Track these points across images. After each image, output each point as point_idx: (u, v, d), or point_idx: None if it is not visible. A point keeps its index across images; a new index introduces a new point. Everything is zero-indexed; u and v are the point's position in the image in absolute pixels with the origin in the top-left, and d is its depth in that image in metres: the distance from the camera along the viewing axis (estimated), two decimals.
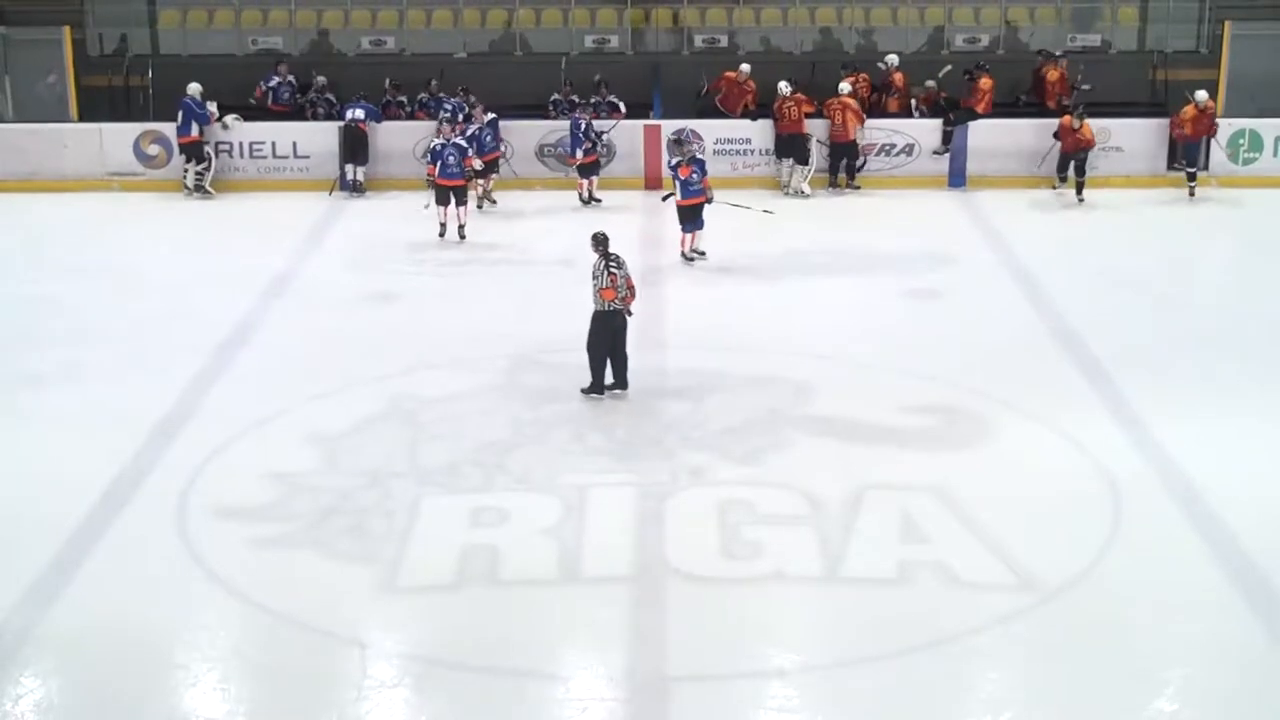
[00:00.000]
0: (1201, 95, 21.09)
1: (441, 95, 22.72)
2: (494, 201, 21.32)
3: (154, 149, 22.24)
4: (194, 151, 21.48)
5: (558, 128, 22.19)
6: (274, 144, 22.21)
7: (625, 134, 21.90)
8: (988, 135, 22.13)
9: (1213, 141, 21.79)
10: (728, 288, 17.21)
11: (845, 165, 21.81)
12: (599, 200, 21.03)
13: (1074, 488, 11.34)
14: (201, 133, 21.55)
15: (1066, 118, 21.21)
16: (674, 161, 18.11)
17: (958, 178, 22.05)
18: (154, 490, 11.72)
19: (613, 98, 22.78)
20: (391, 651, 9.55)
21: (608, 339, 13.28)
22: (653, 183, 21.42)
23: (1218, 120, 21.63)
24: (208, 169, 21.46)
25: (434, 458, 12.29)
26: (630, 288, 13.33)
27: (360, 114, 21.71)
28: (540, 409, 13.33)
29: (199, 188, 21.57)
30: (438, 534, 11.01)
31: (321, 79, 22.99)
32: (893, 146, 22.00)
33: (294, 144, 22.23)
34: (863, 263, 17.70)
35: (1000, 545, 10.66)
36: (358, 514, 11.30)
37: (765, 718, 8.92)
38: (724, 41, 24.71)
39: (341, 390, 13.67)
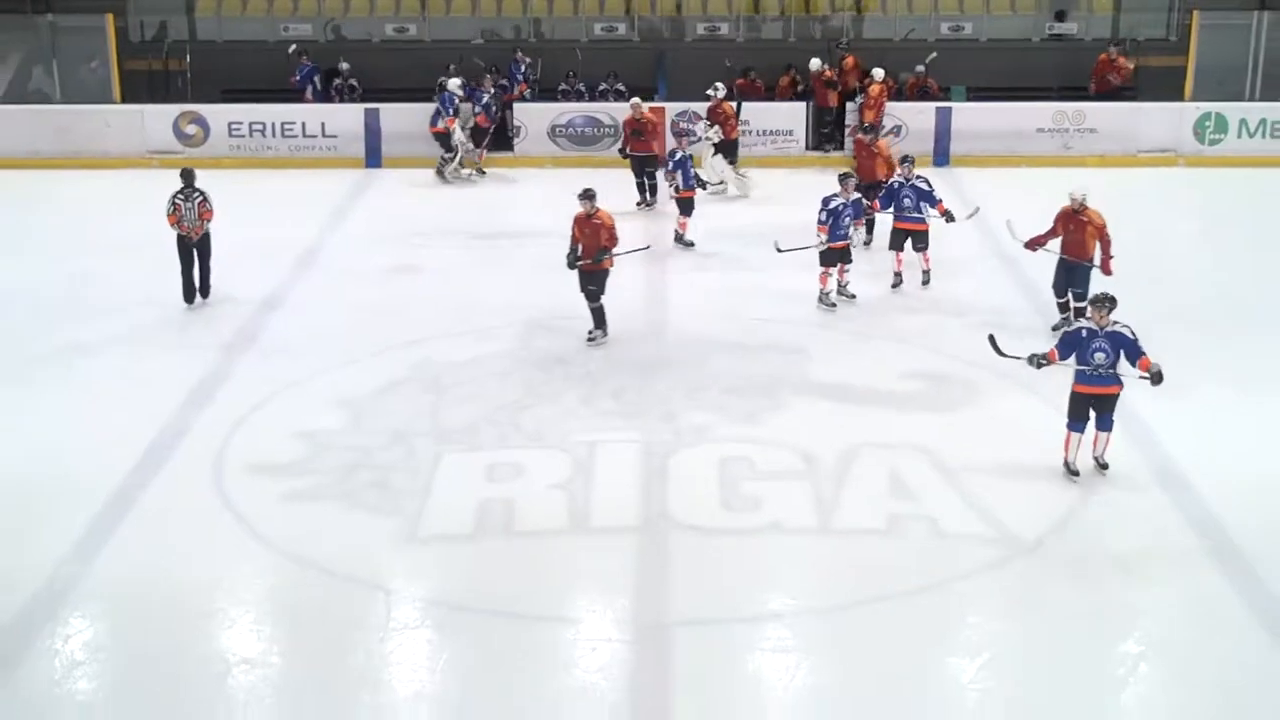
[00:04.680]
0: (1078, 194, 14.00)
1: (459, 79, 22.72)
2: (483, 173, 21.34)
3: (192, 129, 22.19)
4: (443, 141, 21.05)
5: (567, 109, 22.20)
6: (304, 124, 22.17)
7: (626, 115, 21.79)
8: (970, 118, 22.06)
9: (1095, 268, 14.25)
10: (728, 259, 17.13)
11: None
12: (691, 244, 17.62)
13: (1051, 450, 11.31)
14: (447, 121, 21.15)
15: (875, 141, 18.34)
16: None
17: (941, 158, 22.00)
18: (192, 449, 11.73)
19: (620, 85, 22.72)
20: (414, 597, 9.57)
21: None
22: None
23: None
24: (452, 158, 21.01)
25: (453, 417, 12.29)
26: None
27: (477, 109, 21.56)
28: (552, 372, 13.32)
29: (439, 173, 21.13)
30: (456, 488, 11.00)
31: (346, 65, 22.97)
32: (882, 128, 21.87)
33: (322, 124, 22.21)
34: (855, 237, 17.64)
35: (982, 501, 10.66)
36: (382, 470, 11.31)
37: (762, 659, 8.93)
38: (724, 30, 24.63)
39: (366, 355, 13.66)
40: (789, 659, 8.93)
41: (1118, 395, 10.77)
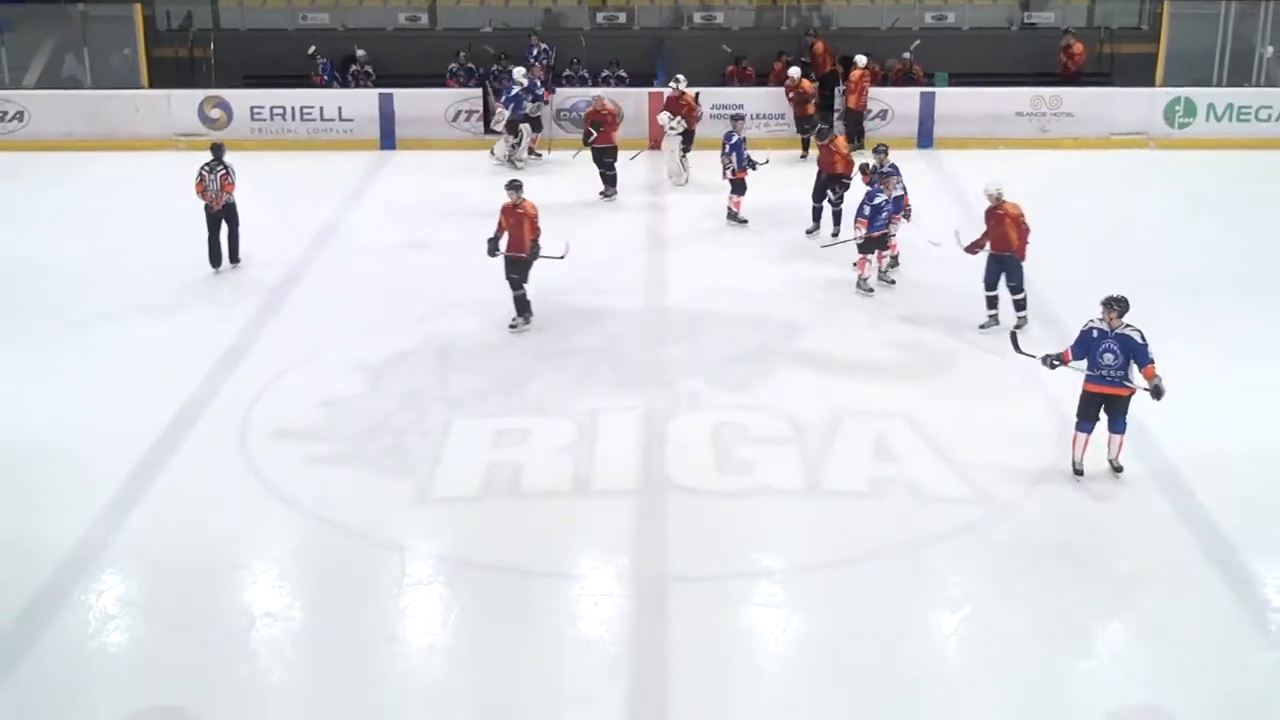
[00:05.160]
0: (992, 189, 13.63)
1: (470, 65, 22.67)
2: (538, 155, 21.01)
3: (215, 112, 22.08)
4: (512, 128, 20.60)
5: (571, 94, 22.08)
6: (321, 108, 22.08)
7: (631, 100, 21.69)
8: (952, 102, 21.99)
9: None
10: (723, 238, 17.10)
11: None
12: (745, 221, 17.45)
13: (1026, 415, 11.34)
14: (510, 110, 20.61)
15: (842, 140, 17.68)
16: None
17: (925, 140, 21.93)
18: (218, 414, 11.75)
19: (622, 72, 22.63)
20: (426, 554, 9.61)
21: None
22: (655, 145, 21.22)
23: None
24: (518, 144, 20.63)
25: (463, 386, 12.30)
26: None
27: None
28: (556, 343, 13.33)
29: (508, 159, 20.64)
30: (466, 452, 11.03)
31: (362, 52, 22.92)
32: (869, 112, 21.83)
33: (339, 108, 22.10)
34: (843, 214, 17.58)
35: (960, 464, 10.69)
36: (396, 435, 11.33)
37: (754, 613, 8.98)
38: (720, 19, 24.54)
39: (382, 327, 13.66)
40: (779, 613, 8.98)
41: (1128, 398, 10.18)
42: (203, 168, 15.45)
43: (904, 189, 14.99)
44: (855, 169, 16.04)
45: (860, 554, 9.51)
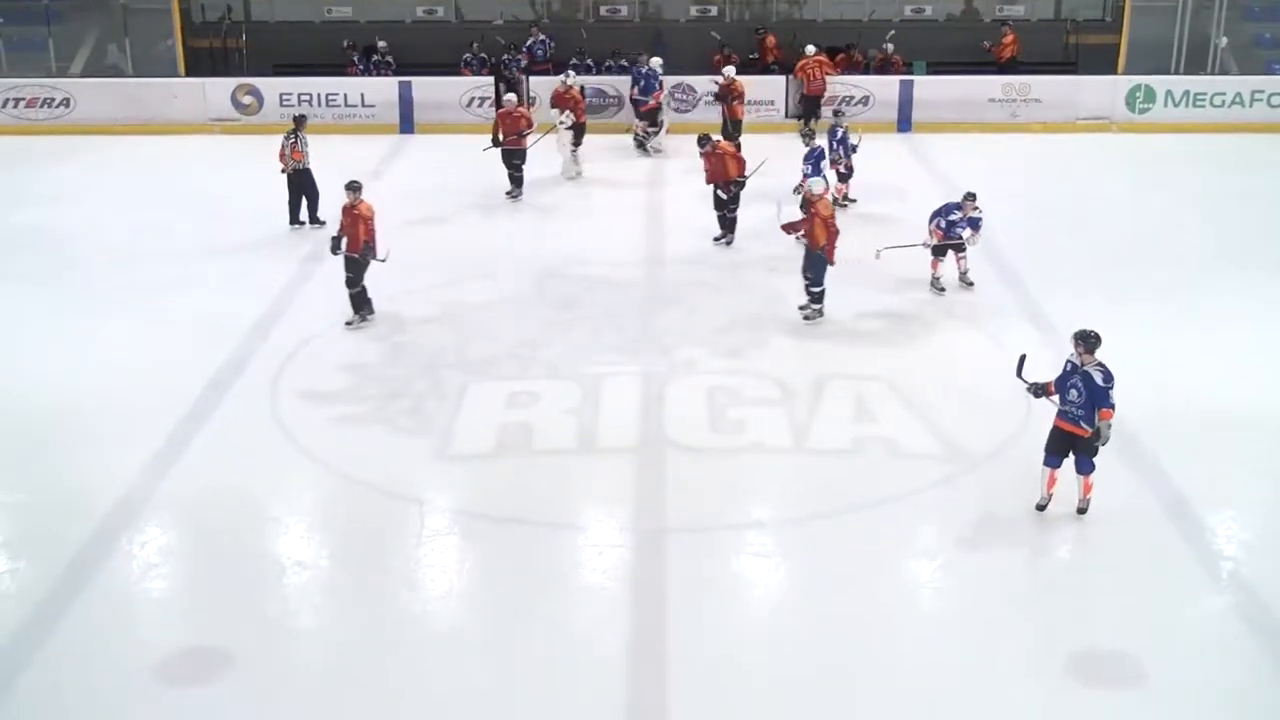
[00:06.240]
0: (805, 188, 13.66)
1: (483, 55, 22.58)
2: (660, 150, 20.02)
3: (248, 99, 21.99)
4: (650, 116, 20.27)
5: (577, 81, 21.92)
6: (345, 95, 21.98)
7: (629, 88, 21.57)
8: (929, 89, 21.89)
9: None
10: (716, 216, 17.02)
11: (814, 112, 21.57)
12: (853, 200, 16.96)
13: (996, 380, 11.30)
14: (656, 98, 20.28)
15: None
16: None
17: (905, 124, 21.84)
18: (251, 378, 11.74)
19: (623, 61, 22.50)
20: (444, 507, 9.62)
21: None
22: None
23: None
24: (658, 131, 20.17)
25: (477, 352, 12.28)
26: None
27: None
28: (564, 313, 13.30)
29: (644, 145, 20.18)
30: (481, 413, 11.02)
31: (383, 43, 22.82)
32: (852, 98, 21.73)
33: (362, 95, 22.00)
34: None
35: (935, 424, 10.69)
36: (416, 397, 11.32)
37: (745, 561, 8.99)
38: (714, 11, 24.39)
39: (401, 297, 13.61)
40: (769, 561, 9.00)
41: (1088, 439, 8.95)
42: (284, 137, 16.07)
43: (824, 155, 15.30)
44: (746, 167, 15.17)
45: (843, 506, 9.51)
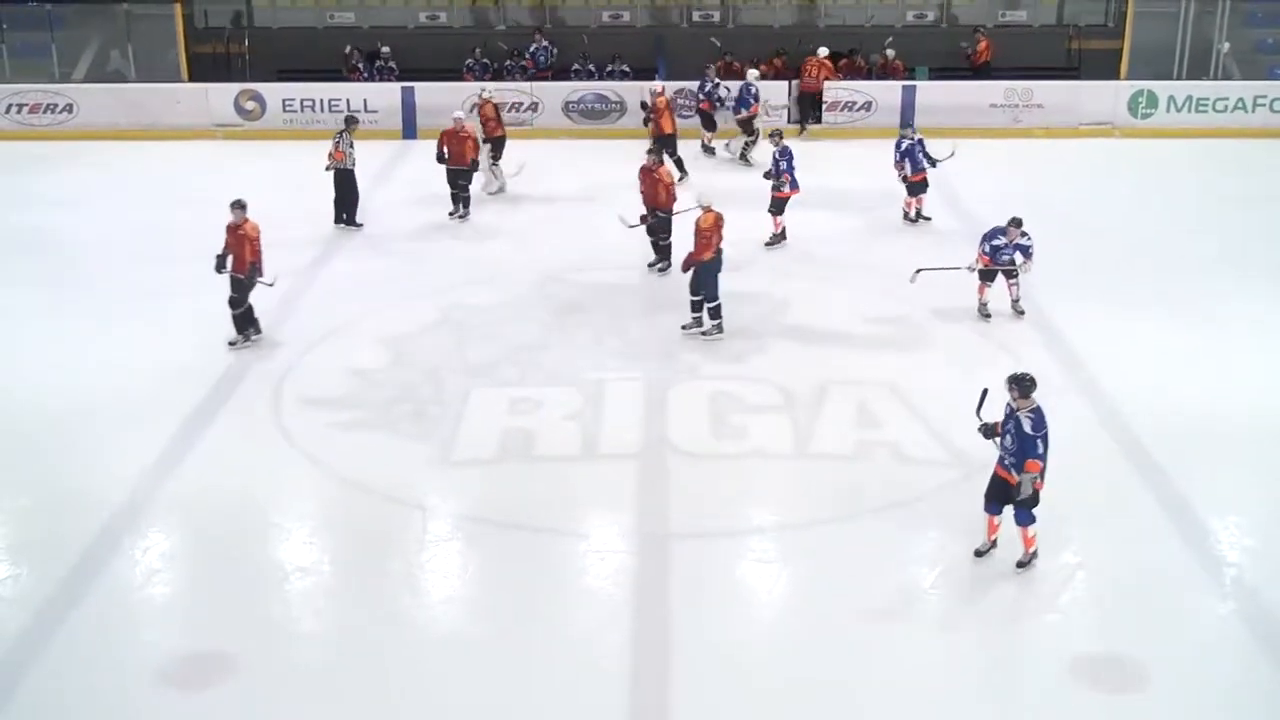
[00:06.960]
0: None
1: (485, 60, 22.63)
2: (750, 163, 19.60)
3: (250, 104, 22.02)
4: (746, 126, 20.09)
5: (579, 88, 21.99)
6: (348, 100, 21.98)
7: (633, 94, 21.57)
8: (932, 94, 21.89)
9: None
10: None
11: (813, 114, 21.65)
12: (928, 219, 16.63)
13: (998, 383, 11.29)
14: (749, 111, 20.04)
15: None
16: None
17: (907, 128, 21.78)
18: (254, 382, 11.75)
19: (625, 66, 22.53)
20: (446, 513, 9.62)
21: None
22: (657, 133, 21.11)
23: None
24: (754, 142, 19.93)
25: (479, 357, 12.28)
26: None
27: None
28: (565, 318, 13.30)
29: (743, 157, 19.93)
30: (483, 418, 11.02)
31: (386, 49, 22.83)
32: (854, 103, 21.76)
33: (365, 101, 22.01)
34: (831, 198, 17.44)
35: (937, 429, 10.68)
36: (418, 402, 11.33)
37: (747, 566, 8.99)
38: (716, 17, 24.41)
39: (404, 302, 13.63)
40: (771, 567, 9.00)
41: (1018, 488, 8.35)
42: (334, 135, 16.55)
43: (793, 156, 15.41)
44: (675, 204, 14.49)
45: (845, 512, 9.51)
